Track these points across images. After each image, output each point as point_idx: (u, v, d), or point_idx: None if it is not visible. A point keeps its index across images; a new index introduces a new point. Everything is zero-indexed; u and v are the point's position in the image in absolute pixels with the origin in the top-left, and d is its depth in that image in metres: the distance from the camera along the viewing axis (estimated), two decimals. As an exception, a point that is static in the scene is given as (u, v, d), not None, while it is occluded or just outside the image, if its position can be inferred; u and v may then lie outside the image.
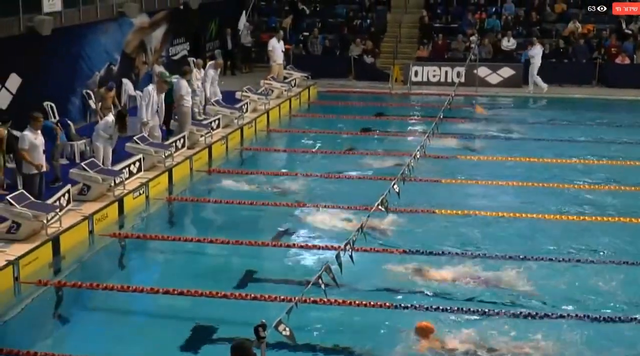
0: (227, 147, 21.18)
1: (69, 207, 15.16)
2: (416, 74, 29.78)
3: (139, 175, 17.36)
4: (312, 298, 11.04)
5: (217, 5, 31.35)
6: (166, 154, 18.30)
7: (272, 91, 25.81)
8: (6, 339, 11.40)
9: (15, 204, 13.77)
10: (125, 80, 24.02)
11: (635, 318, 11.66)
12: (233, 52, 31.28)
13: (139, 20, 25.06)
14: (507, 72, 29.36)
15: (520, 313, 11.79)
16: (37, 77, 19.83)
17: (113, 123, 17.27)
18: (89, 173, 15.90)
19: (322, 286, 9.27)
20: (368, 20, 33.66)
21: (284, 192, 17.58)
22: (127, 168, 16.96)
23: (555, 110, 26.31)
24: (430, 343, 10.87)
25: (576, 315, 11.71)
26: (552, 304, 12.23)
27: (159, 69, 24.47)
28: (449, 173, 18.84)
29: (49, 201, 14.55)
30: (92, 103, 21.66)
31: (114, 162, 17.38)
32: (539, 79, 28.50)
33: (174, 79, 20.97)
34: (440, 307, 11.90)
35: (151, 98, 18.87)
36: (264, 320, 7.57)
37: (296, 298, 8.78)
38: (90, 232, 14.99)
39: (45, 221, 13.95)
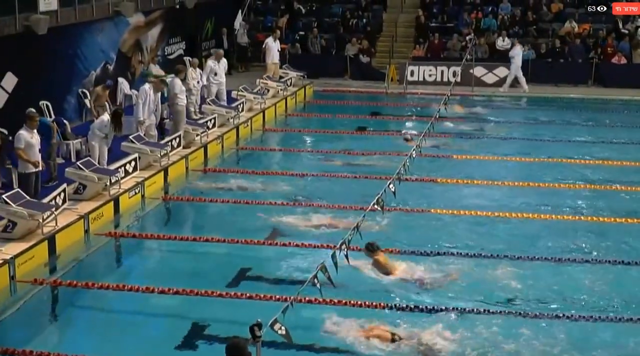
0: (222, 146, 21.18)
1: (65, 206, 15.16)
2: (412, 73, 29.82)
3: (134, 174, 17.36)
4: (307, 298, 11.06)
5: (213, 5, 31.32)
6: (162, 153, 18.30)
7: (268, 90, 25.81)
8: (2, 338, 11.40)
9: (11, 203, 13.78)
10: (121, 79, 24.02)
11: (623, 318, 11.71)
12: (229, 52, 31.25)
13: (134, 19, 25.06)
14: (503, 71, 29.30)
15: (511, 312, 11.83)
16: (33, 76, 19.82)
17: (109, 122, 17.27)
18: (84, 173, 15.89)
19: (318, 285, 9.28)
20: (364, 20, 33.66)
21: (280, 191, 17.58)
22: (122, 168, 16.95)
23: (551, 110, 26.32)
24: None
25: (563, 315, 11.75)
26: (542, 303, 12.28)
27: (154, 68, 24.54)
28: (443, 172, 18.87)
29: (45, 200, 14.55)
30: (87, 102, 21.65)
31: (110, 161, 17.38)
32: (522, 80, 28.69)
33: (169, 78, 20.99)
34: (435, 307, 11.94)
35: (148, 98, 18.88)
36: (259, 319, 7.58)
37: (292, 297, 8.80)
38: (86, 231, 14.99)
39: (41, 220, 13.94)
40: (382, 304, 12.00)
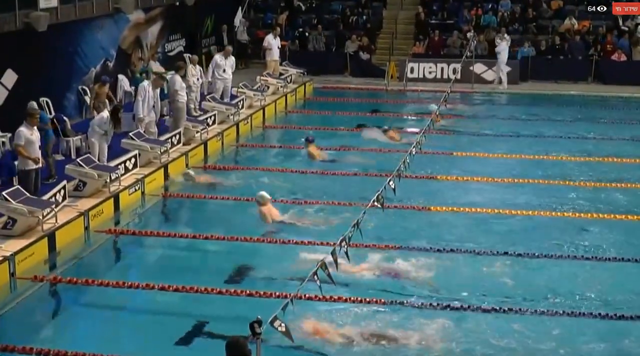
0: (222, 143, 21.18)
1: (65, 203, 15.18)
2: (412, 70, 29.81)
3: (134, 171, 17.36)
4: (307, 295, 11.07)
5: (213, 2, 31.29)
6: (162, 150, 18.30)
7: (268, 87, 25.82)
8: (2, 334, 11.38)
9: (11, 200, 13.79)
10: (120, 76, 24.02)
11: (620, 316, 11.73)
12: (229, 49, 31.25)
13: (134, 16, 25.04)
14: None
15: (501, 308, 11.84)
16: (33, 73, 19.81)
17: (108, 119, 17.27)
18: (84, 169, 15.90)
19: (318, 282, 9.28)
20: (364, 17, 33.64)
21: (280, 188, 17.57)
22: (122, 164, 16.96)
23: (550, 107, 26.31)
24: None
25: (555, 311, 11.79)
26: (532, 299, 12.29)
27: (154, 65, 24.55)
28: (443, 170, 18.89)
29: (45, 197, 14.56)
30: (87, 99, 21.66)
31: (110, 158, 17.38)
32: (504, 75, 28.76)
33: (169, 74, 20.99)
34: (433, 304, 11.96)
35: (147, 94, 18.88)
36: (259, 316, 7.58)
37: (292, 294, 8.80)
38: (86, 228, 14.99)
39: (40, 217, 13.96)
40: (382, 301, 12.01)
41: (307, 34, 32.15)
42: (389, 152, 19.66)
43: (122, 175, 16.69)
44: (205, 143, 20.26)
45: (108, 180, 16.17)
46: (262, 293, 12.15)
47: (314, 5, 35.03)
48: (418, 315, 11.66)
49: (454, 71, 27.94)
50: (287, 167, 19.24)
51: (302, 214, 15.83)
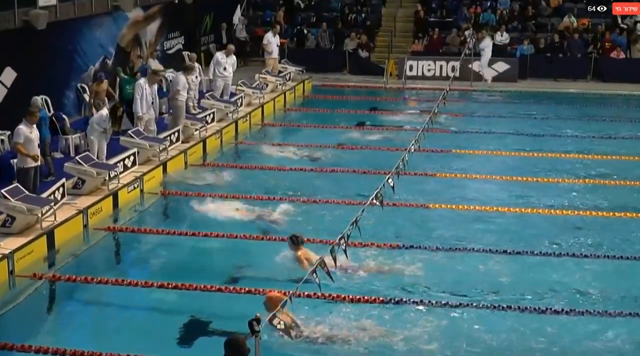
0: (221, 141, 21.19)
1: (64, 200, 15.18)
2: (411, 68, 29.79)
3: (133, 169, 17.37)
4: (306, 293, 11.08)
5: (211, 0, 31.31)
6: (161, 148, 18.30)
7: (267, 85, 25.81)
8: (1, 332, 11.40)
9: (10, 198, 13.79)
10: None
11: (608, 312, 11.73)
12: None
13: (133, 14, 25.03)
14: (501, 66, 29.39)
15: (498, 306, 11.86)
16: (32, 71, 19.81)
17: (107, 116, 17.27)
18: (83, 167, 15.90)
19: (317, 280, 9.29)
20: (363, 14, 33.63)
21: (278, 185, 17.59)
22: (121, 162, 16.97)
23: (550, 105, 26.33)
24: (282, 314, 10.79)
25: (552, 309, 11.80)
26: (529, 297, 12.31)
27: (153, 63, 24.54)
28: (441, 167, 18.90)
29: (44, 195, 14.56)
30: (86, 97, 21.65)
31: (109, 156, 17.39)
32: (487, 72, 28.85)
33: (169, 72, 20.98)
34: (431, 301, 11.97)
35: (143, 91, 18.87)
36: (258, 314, 7.60)
37: (290, 292, 8.81)
38: (85, 226, 15.01)
39: (39, 215, 13.96)
40: (380, 299, 12.02)
41: (308, 31, 32.12)
42: (388, 150, 19.66)
43: (121, 172, 16.70)
44: (204, 141, 20.27)
45: (107, 178, 16.18)
46: (261, 290, 12.12)
47: (312, 3, 35.02)
48: (415, 312, 11.68)
49: (453, 69, 27.90)
50: (286, 164, 19.22)
51: (302, 211, 15.82)
